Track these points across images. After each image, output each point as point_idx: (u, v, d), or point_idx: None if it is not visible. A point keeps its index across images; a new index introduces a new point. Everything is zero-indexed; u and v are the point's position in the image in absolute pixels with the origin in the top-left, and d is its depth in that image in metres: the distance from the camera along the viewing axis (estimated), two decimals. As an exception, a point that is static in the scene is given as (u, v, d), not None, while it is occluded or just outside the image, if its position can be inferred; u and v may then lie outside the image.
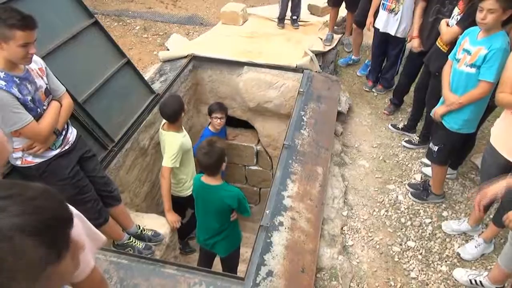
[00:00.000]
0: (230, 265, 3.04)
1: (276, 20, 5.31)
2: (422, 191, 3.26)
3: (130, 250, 2.78)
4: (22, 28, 1.89)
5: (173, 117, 3.13)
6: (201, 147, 2.55)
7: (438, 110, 2.89)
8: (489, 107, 2.95)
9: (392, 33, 4.08)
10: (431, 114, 3.04)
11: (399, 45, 4.19)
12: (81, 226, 1.22)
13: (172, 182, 3.26)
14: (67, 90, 2.41)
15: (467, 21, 2.86)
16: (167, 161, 3.10)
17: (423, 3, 3.56)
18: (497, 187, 1.91)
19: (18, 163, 2.20)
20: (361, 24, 4.62)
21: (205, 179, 2.64)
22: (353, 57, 5.13)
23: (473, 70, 2.61)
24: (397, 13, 3.96)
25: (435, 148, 2.98)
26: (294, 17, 5.24)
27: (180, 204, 3.36)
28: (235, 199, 2.63)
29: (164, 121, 3.26)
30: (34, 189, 0.78)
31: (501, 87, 2.34)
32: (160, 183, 3.22)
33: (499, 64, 2.45)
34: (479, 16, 2.46)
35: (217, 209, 2.66)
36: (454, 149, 3.01)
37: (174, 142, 3.10)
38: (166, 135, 3.17)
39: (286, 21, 5.30)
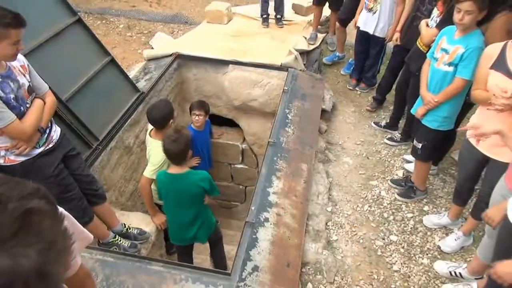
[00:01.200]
0: (216, 246, 3.11)
1: (260, 19, 5.35)
2: (408, 189, 3.32)
3: (115, 248, 2.76)
4: (16, 26, 1.91)
5: (160, 123, 2.98)
6: (169, 135, 2.56)
7: (418, 111, 2.97)
8: (468, 104, 3.05)
9: (371, 32, 4.16)
10: (412, 112, 3.12)
11: (378, 45, 4.26)
12: (68, 227, 1.22)
13: (154, 189, 3.07)
14: (50, 88, 2.39)
15: (446, 24, 2.93)
16: (148, 171, 2.91)
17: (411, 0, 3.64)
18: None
19: (1, 161, 2.17)
20: (344, 23, 4.69)
21: (173, 170, 2.64)
22: (337, 53, 5.17)
23: (450, 69, 2.68)
24: (375, 12, 4.04)
25: (419, 146, 3.05)
26: (278, 16, 5.28)
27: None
28: (206, 180, 2.68)
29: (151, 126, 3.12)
30: (21, 189, 0.73)
31: (475, 85, 2.43)
32: (140, 192, 3.05)
33: (476, 62, 2.52)
34: (456, 16, 2.53)
35: (192, 195, 2.67)
36: (437, 145, 3.09)
37: (159, 153, 2.81)
38: (153, 143, 2.99)
39: (270, 20, 5.34)
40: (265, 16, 5.28)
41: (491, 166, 2.50)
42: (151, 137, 3.06)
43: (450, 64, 2.67)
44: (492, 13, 2.59)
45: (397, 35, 3.79)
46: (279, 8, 5.23)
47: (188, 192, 2.66)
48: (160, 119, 2.99)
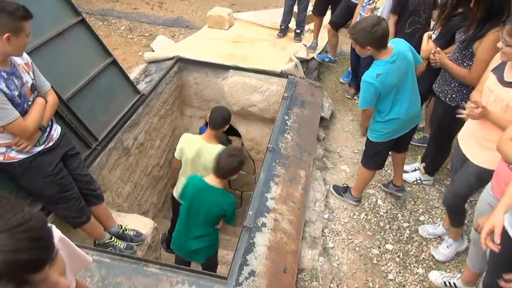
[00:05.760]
0: (210, 267, 3.05)
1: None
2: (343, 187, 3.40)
3: (111, 249, 2.75)
4: (28, 19, 1.97)
5: (217, 125, 3.19)
6: (230, 148, 2.63)
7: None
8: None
9: None
10: None
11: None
12: (64, 252, 1.17)
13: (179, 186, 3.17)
14: (52, 87, 2.39)
15: (442, 40, 2.96)
16: None
17: (394, 17, 3.61)
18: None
19: (1, 158, 2.16)
20: (336, 26, 4.66)
21: (211, 180, 2.61)
22: (329, 56, 5.06)
23: None
24: None
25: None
26: (298, 31, 5.20)
27: None
28: (232, 206, 2.66)
29: (183, 136, 3.31)
30: (8, 219, 0.71)
31: (478, 86, 2.44)
32: None
33: (363, 93, 2.61)
34: None
35: (209, 213, 2.62)
36: (369, 153, 3.07)
37: None
38: (212, 148, 3.10)
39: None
40: (283, 27, 5.28)
41: None
42: (207, 143, 3.20)
43: None
44: (488, 29, 2.62)
45: None
46: (301, 23, 5.16)
47: (209, 208, 2.61)
48: (220, 120, 3.20)
